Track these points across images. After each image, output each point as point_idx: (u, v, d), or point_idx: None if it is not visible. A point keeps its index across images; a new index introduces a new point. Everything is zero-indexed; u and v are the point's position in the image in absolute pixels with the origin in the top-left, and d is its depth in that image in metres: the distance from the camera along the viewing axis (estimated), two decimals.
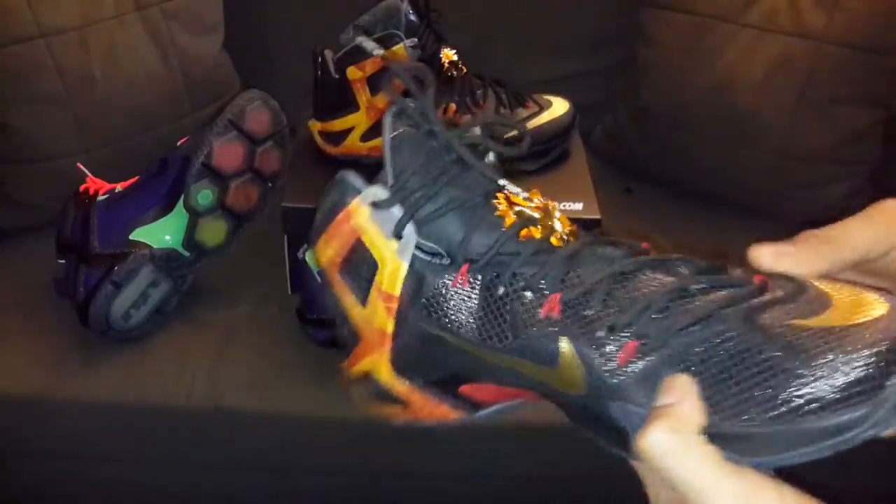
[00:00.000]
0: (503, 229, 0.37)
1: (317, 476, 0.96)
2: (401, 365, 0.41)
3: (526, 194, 0.39)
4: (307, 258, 0.85)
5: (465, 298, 0.38)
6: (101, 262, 0.87)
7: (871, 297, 0.32)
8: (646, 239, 0.39)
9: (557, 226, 0.38)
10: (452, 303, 0.38)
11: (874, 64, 1.04)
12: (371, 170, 0.42)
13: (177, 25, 1.07)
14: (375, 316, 0.40)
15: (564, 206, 0.93)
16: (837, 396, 0.29)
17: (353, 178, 0.40)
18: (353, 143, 0.98)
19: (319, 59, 0.96)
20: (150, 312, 0.90)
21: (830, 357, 0.30)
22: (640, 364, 0.33)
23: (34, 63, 0.97)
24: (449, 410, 0.41)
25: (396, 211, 0.38)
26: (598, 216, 0.91)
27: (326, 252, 0.41)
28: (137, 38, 1.04)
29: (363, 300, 0.41)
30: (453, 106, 0.96)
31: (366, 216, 0.39)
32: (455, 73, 0.97)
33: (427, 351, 0.40)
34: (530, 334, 0.36)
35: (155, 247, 0.88)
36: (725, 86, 1.09)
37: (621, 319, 0.34)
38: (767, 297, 0.33)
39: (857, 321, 0.31)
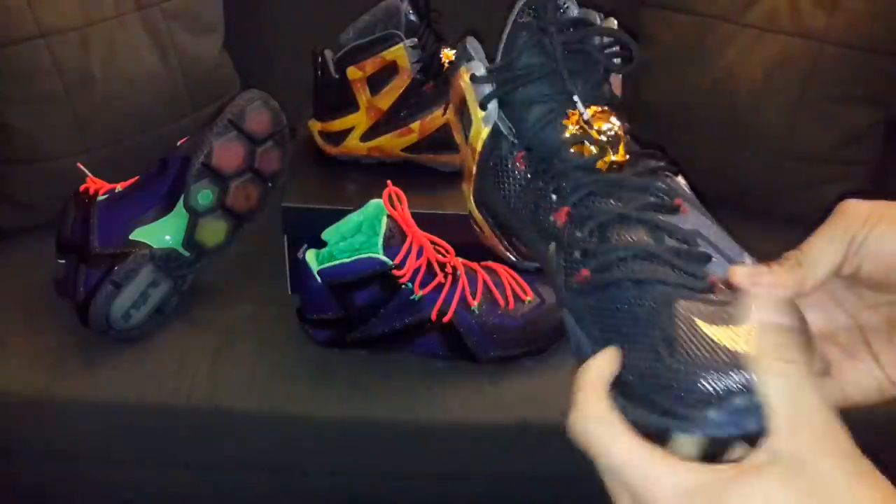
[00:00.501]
0: (562, 137, 0.43)
1: (317, 476, 0.96)
2: (479, 200, 0.50)
3: (610, 123, 0.44)
4: (307, 258, 0.86)
5: (517, 175, 0.46)
6: (101, 262, 0.87)
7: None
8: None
9: (612, 155, 0.42)
10: (507, 174, 0.46)
11: (874, 64, 1.04)
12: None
13: (177, 25, 1.07)
14: (468, 156, 0.49)
15: None
16: (682, 396, 0.34)
17: (472, 44, 0.48)
18: (353, 143, 0.98)
19: (319, 59, 0.96)
20: (150, 312, 0.90)
21: (696, 367, 0.34)
22: (586, 291, 0.39)
23: (34, 63, 0.97)
24: (504, 249, 0.50)
25: (487, 87, 0.46)
26: None
27: (454, 92, 0.50)
28: (137, 38, 1.04)
29: (465, 140, 0.50)
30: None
31: (467, 81, 0.47)
32: None
33: (490, 200, 0.49)
34: (539, 226, 0.44)
35: (155, 247, 0.88)
36: (725, 86, 1.09)
37: (592, 250, 0.40)
38: (705, 294, 0.37)
39: (738, 348, 0.34)
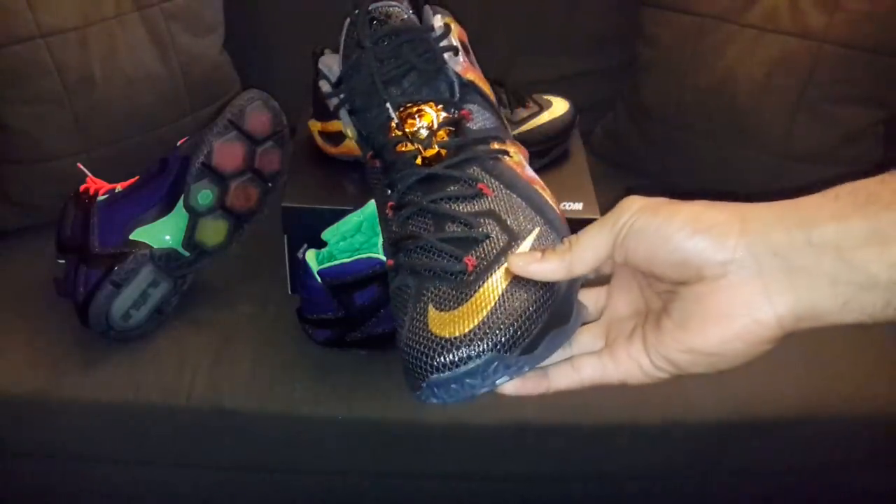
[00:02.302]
0: (388, 137, 0.49)
1: (317, 476, 0.96)
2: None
3: (421, 121, 0.50)
4: (307, 258, 0.85)
5: (375, 175, 0.51)
6: (101, 262, 0.87)
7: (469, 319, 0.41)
8: None
9: (424, 151, 0.48)
10: (371, 175, 0.52)
11: (874, 64, 1.04)
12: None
13: (177, 25, 1.07)
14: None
15: (564, 205, 0.93)
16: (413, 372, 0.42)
17: (323, 63, 0.56)
18: (353, 143, 0.98)
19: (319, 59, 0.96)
20: (150, 312, 0.90)
21: (416, 350, 0.41)
22: (391, 278, 0.47)
23: (34, 63, 0.97)
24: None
25: (335, 100, 0.54)
26: (598, 216, 0.91)
27: None
28: (137, 38, 1.04)
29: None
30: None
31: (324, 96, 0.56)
32: None
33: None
34: (384, 222, 0.50)
35: (155, 247, 0.88)
36: (725, 86, 1.09)
37: (394, 241, 0.47)
38: (458, 276, 0.43)
39: (445, 333, 0.41)
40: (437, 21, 0.53)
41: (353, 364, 0.90)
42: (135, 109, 1.06)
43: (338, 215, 0.88)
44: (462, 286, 0.42)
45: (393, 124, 0.49)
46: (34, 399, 0.88)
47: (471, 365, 0.39)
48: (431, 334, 0.40)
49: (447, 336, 0.40)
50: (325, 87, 0.54)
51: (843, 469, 0.97)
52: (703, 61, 1.10)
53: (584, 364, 0.44)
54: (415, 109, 0.49)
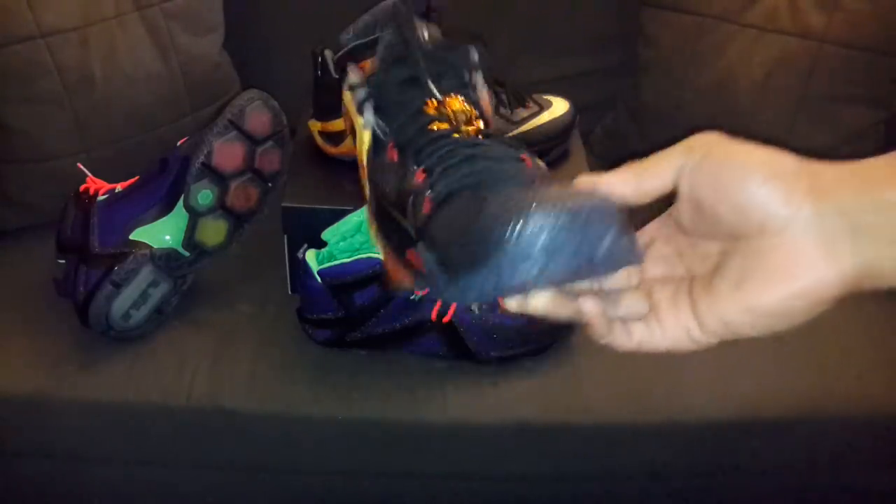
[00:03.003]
0: (423, 119, 0.50)
1: (317, 476, 0.96)
2: (376, 227, 0.53)
3: (463, 107, 0.51)
4: (307, 258, 0.85)
5: (392, 168, 0.50)
6: (101, 262, 0.87)
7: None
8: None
9: (464, 127, 0.50)
10: (386, 171, 0.51)
11: (874, 64, 1.04)
12: None
13: (177, 25, 1.07)
14: (364, 184, 0.54)
15: None
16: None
17: (352, 74, 0.55)
18: (352, 143, 0.98)
19: (319, 59, 0.96)
20: (150, 312, 0.90)
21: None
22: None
23: (34, 63, 0.97)
24: (405, 276, 0.50)
25: (362, 92, 0.53)
26: None
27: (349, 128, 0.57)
28: (137, 38, 1.04)
29: (362, 170, 0.55)
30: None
31: (348, 96, 0.54)
32: None
33: (381, 217, 0.52)
34: (402, 200, 0.49)
35: (155, 247, 0.88)
36: (725, 86, 1.09)
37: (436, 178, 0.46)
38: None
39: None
40: (474, 53, 0.56)
41: (353, 364, 0.90)
42: (135, 109, 1.06)
43: (338, 215, 0.88)
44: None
45: (433, 102, 0.51)
46: (34, 399, 0.88)
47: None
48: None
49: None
50: (353, 79, 0.55)
51: (843, 469, 0.97)
52: (703, 61, 1.10)
53: (635, 330, 0.42)
54: (454, 98, 0.52)
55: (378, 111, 0.53)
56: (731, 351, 0.86)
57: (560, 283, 0.39)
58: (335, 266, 0.83)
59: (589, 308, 0.40)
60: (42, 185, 1.04)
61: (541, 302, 0.40)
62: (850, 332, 0.96)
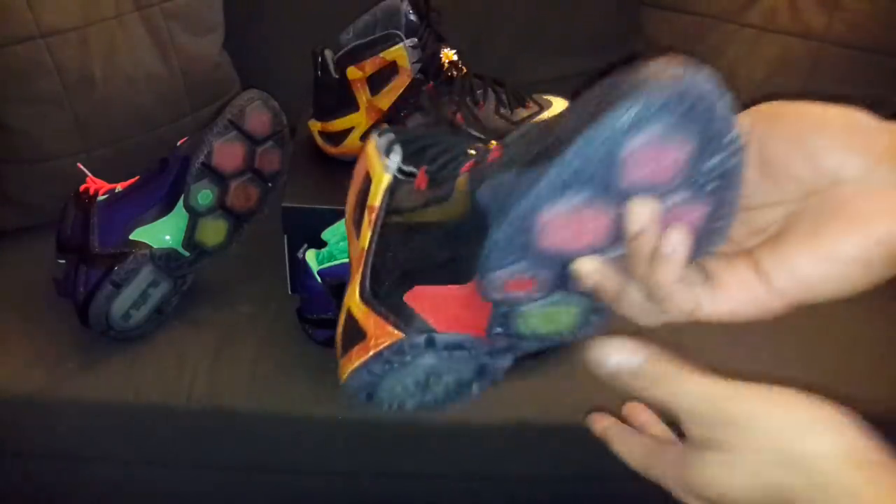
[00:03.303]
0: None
1: (317, 476, 0.96)
2: (365, 285, 0.48)
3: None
4: (307, 258, 0.85)
5: (416, 196, 0.47)
6: (101, 262, 0.87)
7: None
8: None
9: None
10: (411, 195, 0.48)
11: (874, 64, 1.04)
12: None
13: (177, 25, 1.07)
14: (364, 237, 0.49)
15: None
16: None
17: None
18: (352, 143, 0.98)
19: (319, 59, 0.96)
20: (150, 312, 0.90)
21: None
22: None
23: (34, 63, 0.97)
24: (394, 330, 0.45)
25: (391, 135, 0.51)
26: None
27: (348, 209, 0.53)
28: (137, 38, 1.04)
29: (358, 232, 0.50)
30: (453, 108, 0.96)
31: (373, 142, 0.52)
32: (455, 73, 0.97)
33: (388, 248, 0.48)
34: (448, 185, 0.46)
35: (155, 247, 0.88)
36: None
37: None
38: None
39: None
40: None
41: None
42: (135, 109, 1.06)
43: (338, 215, 0.88)
44: None
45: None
46: (34, 399, 0.88)
47: None
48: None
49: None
50: (385, 134, 0.55)
51: None
52: (703, 61, 1.10)
53: (689, 294, 0.38)
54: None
55: (406, 157, 0.51)
56: (731, 351, 0.86)
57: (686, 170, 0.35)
58: (335, 266, 0.83)
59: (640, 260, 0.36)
60: (42, 185, 1.04)
61: (591, 266, 0.37)
62: (852, 332, 0.96)
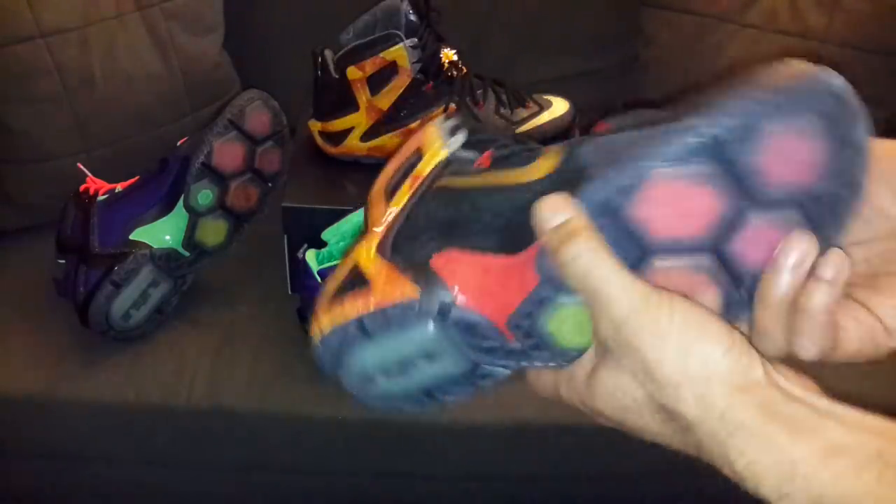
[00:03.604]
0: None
1: (317, 476, 0.96)
2: (388, 239, 0.43)
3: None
4: (307, 258, 0.85)
5: (474, 171, 0.44)
6: (101, 262, 0.87)
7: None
8: None
9: None
10: (469, 170, 0.44)
11: (874, 64, 1.04)
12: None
13: (177, 25, 1.07)
14: (399, 199, 0.45)
15: None
16: None
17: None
18: (352, 143, 0.98)
19: (319, 59, 0.96)
20: (150, 312, 0.90)
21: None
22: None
23: (34, 63, 0.97)
24: (411, 285, 0.40)
25: (455, 121, 0.47)
26: None
27: (381, 179, 0.48)
28: (137, 38, 1.04)
29: (391, 197, 0.46)
30: (453, 106, 0.96)
31: (435, 125, 0.47)
32: (455, 73, 0.97)
33: (428, 208, 0.43)
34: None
35: (155, 247, 0.88)
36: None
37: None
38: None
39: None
40: None
41: None
42: (135, 109, 1.06)
43: (338, 215, 0.88)
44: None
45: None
46: (34, 399, 0.88)
47: None
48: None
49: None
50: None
51: None
52: (703, 61, 1.10)
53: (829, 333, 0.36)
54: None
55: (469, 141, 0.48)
56: None
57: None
58: (335, 266, 0.83)
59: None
60: (42, 185, 1.04)
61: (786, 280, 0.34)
62: None
